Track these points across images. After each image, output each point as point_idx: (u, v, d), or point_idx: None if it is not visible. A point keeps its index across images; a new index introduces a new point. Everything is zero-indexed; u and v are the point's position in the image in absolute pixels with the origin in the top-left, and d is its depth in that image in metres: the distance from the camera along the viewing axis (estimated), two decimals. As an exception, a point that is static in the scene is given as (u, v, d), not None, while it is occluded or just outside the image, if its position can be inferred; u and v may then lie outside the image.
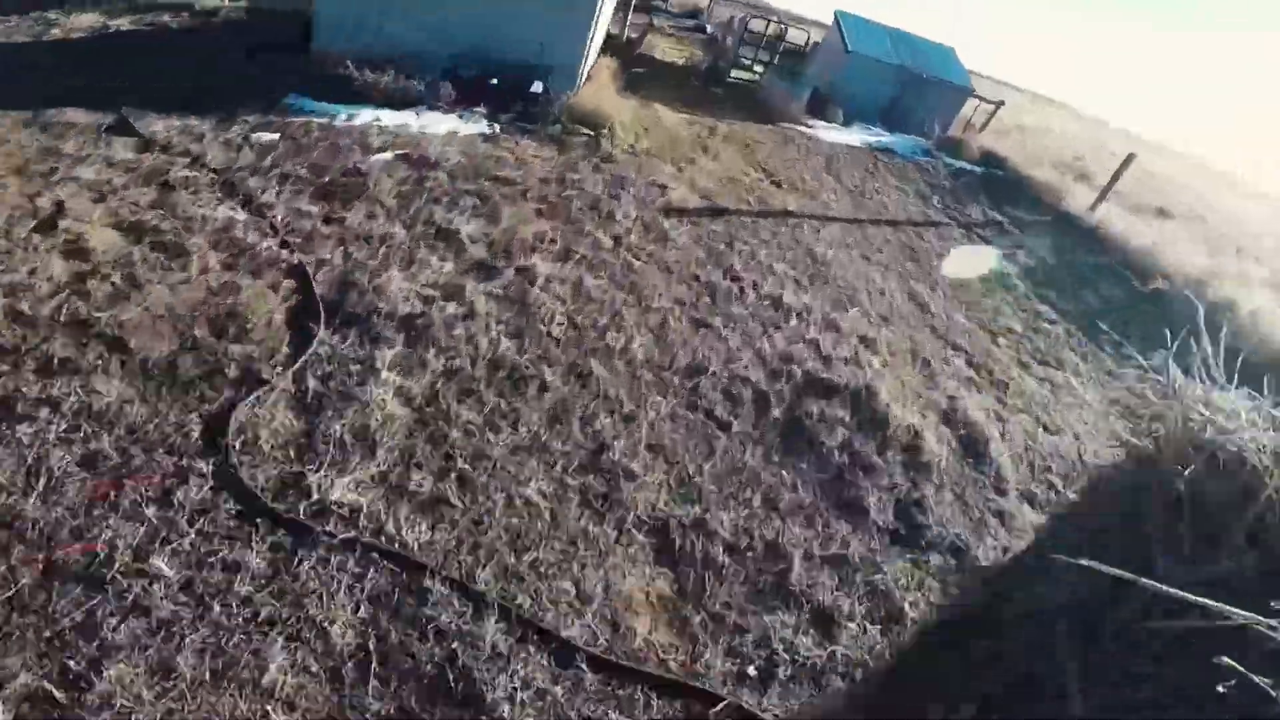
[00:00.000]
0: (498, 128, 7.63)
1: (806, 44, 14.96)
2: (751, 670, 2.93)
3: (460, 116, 7.67)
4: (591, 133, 8.07)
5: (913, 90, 14.21)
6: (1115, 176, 11.58)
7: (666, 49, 16.21)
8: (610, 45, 12.45)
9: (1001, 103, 14.87)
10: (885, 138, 13.23)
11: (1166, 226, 14.36)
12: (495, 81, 8.07)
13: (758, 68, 15.11)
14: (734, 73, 14.09)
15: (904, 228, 8.69)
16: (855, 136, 12.55)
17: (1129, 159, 11.63)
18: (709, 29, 13.60)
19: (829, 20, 16.03)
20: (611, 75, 10.18)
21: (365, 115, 7.15)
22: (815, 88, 12.93)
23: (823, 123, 12.60)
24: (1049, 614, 2.69)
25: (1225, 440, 2.56)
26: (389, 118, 7.24)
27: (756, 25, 15.13)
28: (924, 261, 7.77)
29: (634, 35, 13.24)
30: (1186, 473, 2.54)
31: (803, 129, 11.87)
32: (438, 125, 7.36)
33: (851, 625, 3.23)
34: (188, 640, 2.37)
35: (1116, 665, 2.35)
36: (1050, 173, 13.77)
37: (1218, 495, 2.50)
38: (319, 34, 8.13)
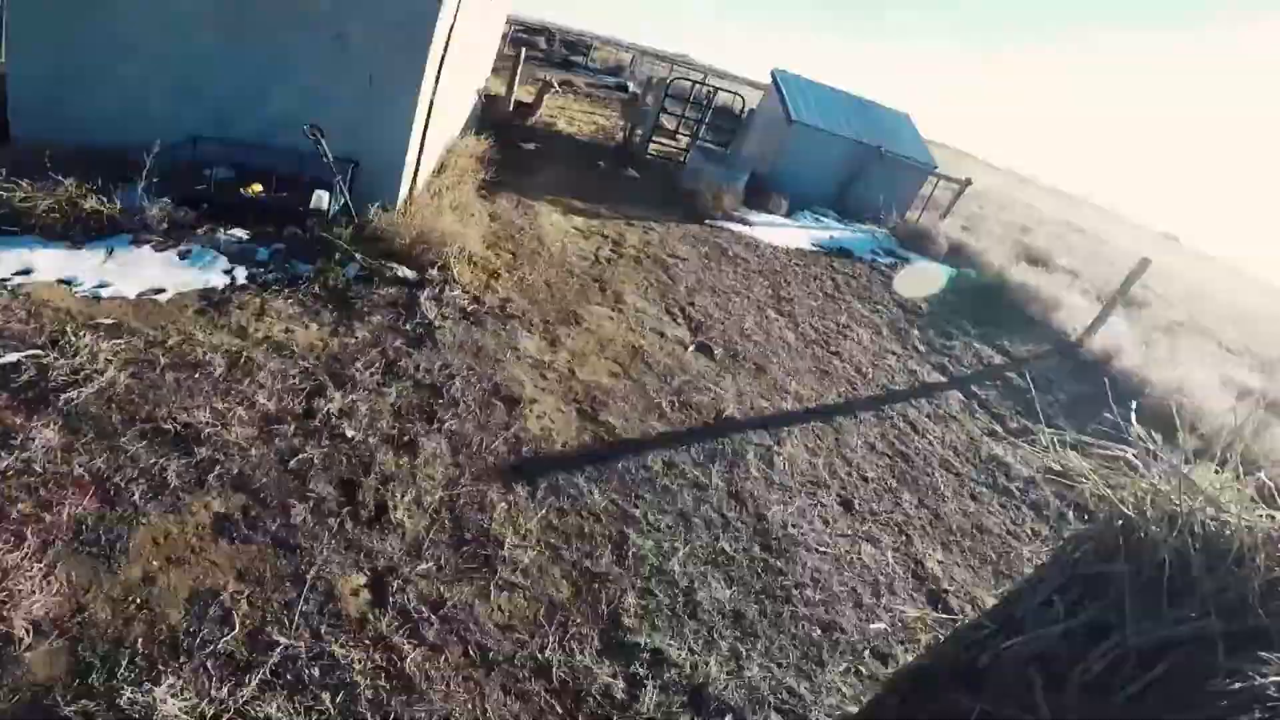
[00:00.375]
0: (243, 274, 4.48)
1: (741, 110, 12.45)
2: None
3: (183, 254, 4.48)
4: (414, 275, 5.04)
5: (869, 169, 11.88)
6: (1125, 286, 9.32)
7: (575, 115, 13.47)
8: (491, 114, 9.54)
9: (968, 181, 12.73)
10: (838, 231, 10.76)
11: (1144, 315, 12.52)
12: (260, 190, 4.95)
13: (682, 137, 12.52)
14: (653, 146, 11.39)
15: (888, 408, 5.98)
16: (803, 234, 9.99)
17: (1142, 264, 9.30)
18: (631, 87, 10.93)
19: (761, 79, 13.68)
20: (475, 164, 7.21)
21: (8, 263, 3.92)
22: (754, 171, 10.35)
23: (763, 216, 10.00)
24: (1023, 664, 2.34)
25: (1209, 514, 2.30)
26: (53, 264, 3.99)
27: (680, 85, 12.61)
28: (926, 488, 5.02)
29: (525, 99, 10.39)
30: (1167, 540, 2.32)
31: (739, 228, 9.20)
32: (135, 276, 4.14)
33: None
34: None
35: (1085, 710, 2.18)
36: (1027, 272, 11.61)
37: (1196, 563, 2.22)
38: (17, 118, 4.90)
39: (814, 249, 9.58)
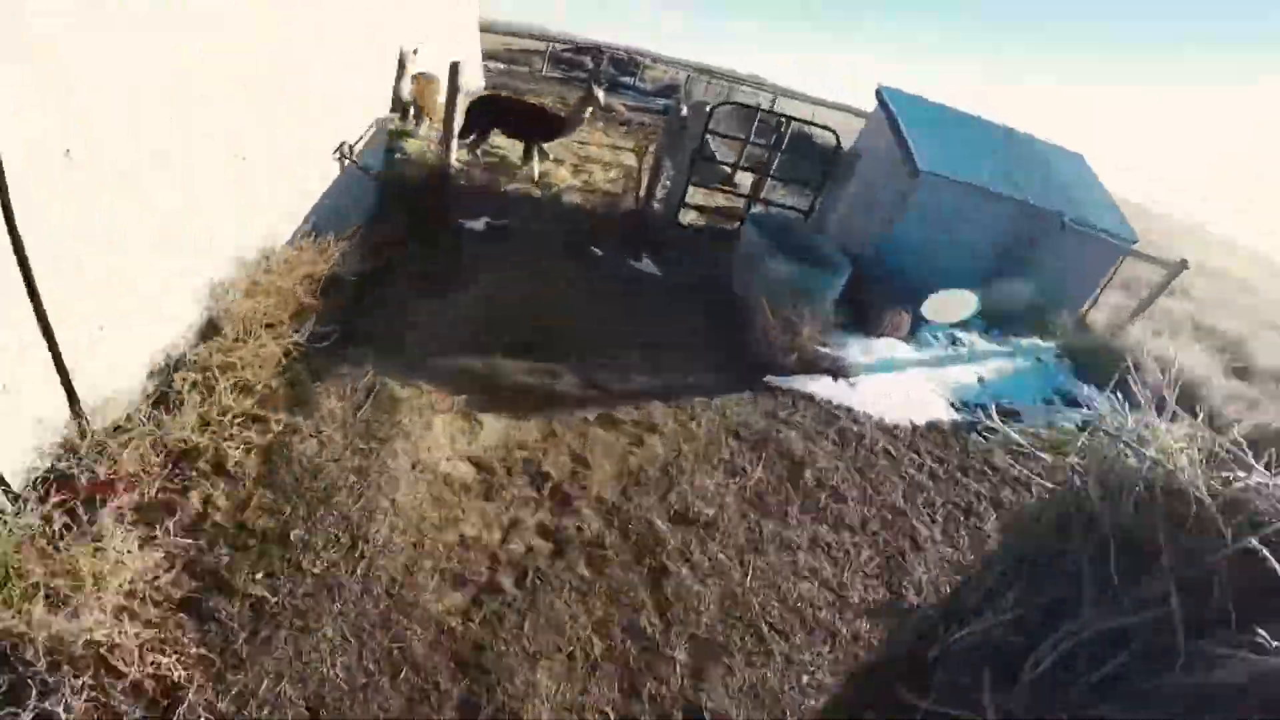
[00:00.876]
0: None
1: (836, 149, 8.20)
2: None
3: None
4: None
5: (1040, 246, 7.54)
6: None
7: (595, 154, 9.58)
8: (414, 177, 5.76)
9: (1184, 263, 8.14)
10: (986, 364, 6.52)
11: None
12: None
13: (740, 184, 8.47)
14: (684, 213, 7.35)
15: None
16: (935, 382, 5.82)
17: None
18: (685, 111, 7.06)
19: (849, 101, 9.41)
20: (291, 302, 3.47)
21: None
22: (854, 262, 6.21)
23: (869, 347, 5.87)
24: (973, 655, 2.41)
25: (1157, 472, 2.31)
26: None
27: (737, 112, 8.52)
28: None
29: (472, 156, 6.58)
30: (1117, 507, 2.35)
31: (828, 389, 5.13)
32: None
33: None
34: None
35: (1036, 708, 2.18)
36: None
37: (1150, 531, 2.23)
38: None
39: (956, 418, 5.41)
